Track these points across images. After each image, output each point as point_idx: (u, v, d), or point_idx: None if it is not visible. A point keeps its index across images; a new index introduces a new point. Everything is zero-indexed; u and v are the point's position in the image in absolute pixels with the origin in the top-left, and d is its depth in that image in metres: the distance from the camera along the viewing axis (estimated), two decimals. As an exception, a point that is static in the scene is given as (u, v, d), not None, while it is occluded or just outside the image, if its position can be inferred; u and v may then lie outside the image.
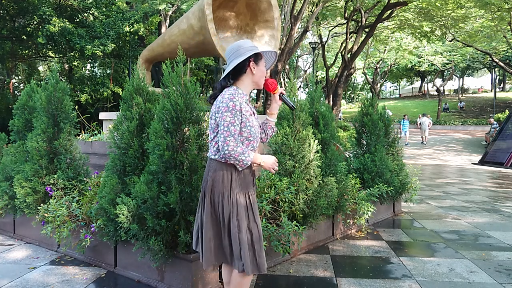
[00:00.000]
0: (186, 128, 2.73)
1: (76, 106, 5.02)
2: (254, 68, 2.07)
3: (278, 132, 3.63)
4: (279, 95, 2.21)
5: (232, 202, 2.01)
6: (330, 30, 23.98)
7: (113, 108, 13.24)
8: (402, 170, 5.19)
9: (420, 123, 20.41)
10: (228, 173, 2.02)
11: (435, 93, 36.96)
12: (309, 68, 37.99)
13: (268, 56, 2.21)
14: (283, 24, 15.09)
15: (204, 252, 2.05)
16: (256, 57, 2.09)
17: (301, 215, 3.43)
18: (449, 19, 16.70)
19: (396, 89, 57.25)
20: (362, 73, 32.83)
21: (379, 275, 3.11)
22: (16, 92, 16.03)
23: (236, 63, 2.03)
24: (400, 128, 19.27)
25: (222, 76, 2.10)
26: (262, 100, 23.72)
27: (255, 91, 24.57)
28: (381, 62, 31.25)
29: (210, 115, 2.09)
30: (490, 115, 25.13)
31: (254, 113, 2.13)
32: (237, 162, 1.98)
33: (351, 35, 18.78)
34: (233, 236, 2.00)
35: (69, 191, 3.57)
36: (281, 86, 2.22)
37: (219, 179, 2.02)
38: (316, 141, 3.66)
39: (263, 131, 2.27)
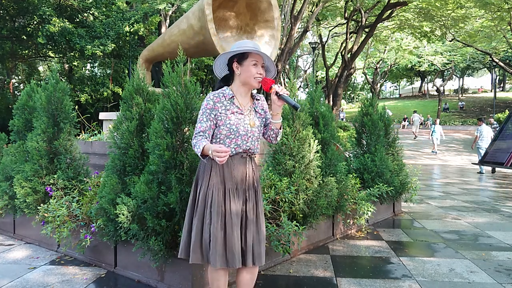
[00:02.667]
0: (186, 128, 2.73)
1: (76, 106, 5.01)
2: (237, 68, 2.09)
3: (278, 132, 3.62)
4: (278, 95, 2.05)
5: (208, 193, 2.05)
6: (330, 30, 23.98)
7: (113, 108, 13.23)
8: (402, 170, 5.19)
9: (412, 120, 23.55)
10: (208, 165, 2.08)
11: (435, 93, 36.99)
12: (309, 68, 37.98)
13: (267, 61, 2.12)
14: (283, 24, 15.07)
15: (192, 245, 2.06)
16: (242, 56, 2.07)
17: (301, 215, 3.43)
18: (449, 19, 16.70)
19: (396, 89, 57.30)
20: (362, 73, 32.84)
21: (379, 275, 3.11)
22: (16, 92, 16.05)
23: (214, 64, 2.14)
24: (431, 135, 17.82)
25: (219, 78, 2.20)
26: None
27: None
28: (381, 62, 31.25)
29: None
30: (490, 115, 25.18)
31: (259, 112, 2.18)
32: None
33: (351, 35, 18.78)
34: (205, 227, 2.04)
35: (69, 191, 3.57)
36: (280, 86, 2.09)
37: (201, 170, 2.14)
38: (316, 141, 3.66)
39: (265, 132, 2.26)
